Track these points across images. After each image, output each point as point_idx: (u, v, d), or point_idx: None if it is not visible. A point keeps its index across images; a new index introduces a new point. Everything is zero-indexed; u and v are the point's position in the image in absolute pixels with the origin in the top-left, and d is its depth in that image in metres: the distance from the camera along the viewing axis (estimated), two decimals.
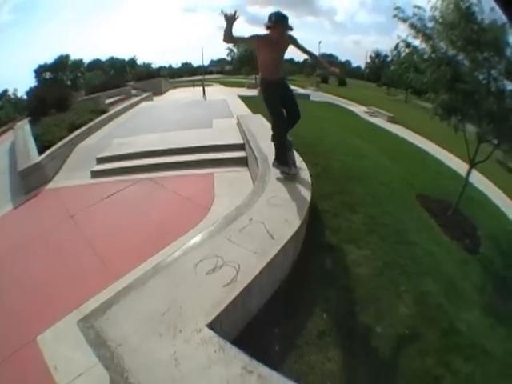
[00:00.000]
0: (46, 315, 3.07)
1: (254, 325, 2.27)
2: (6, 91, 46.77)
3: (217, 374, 1.66)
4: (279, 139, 3.62)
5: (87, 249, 3.93)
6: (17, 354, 2.76)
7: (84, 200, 5.14)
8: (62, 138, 8.10)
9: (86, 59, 48.55)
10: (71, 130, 8.80)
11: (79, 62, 47.11)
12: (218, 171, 4.99)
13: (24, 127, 9.89)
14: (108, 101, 13.96)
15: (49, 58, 47.82)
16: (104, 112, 11.44)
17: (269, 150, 4.00)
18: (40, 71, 46.33)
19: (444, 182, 8.31)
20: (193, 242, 2.54)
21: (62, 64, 45.72)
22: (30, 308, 3.25)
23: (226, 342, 1.80)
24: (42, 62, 46.55)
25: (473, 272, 4.56)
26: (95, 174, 6.14)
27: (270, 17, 3.11)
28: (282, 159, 3.64)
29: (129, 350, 1.83)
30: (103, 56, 51.28)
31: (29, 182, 6.41)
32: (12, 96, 42.66)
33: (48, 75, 45.85)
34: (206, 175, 5.18)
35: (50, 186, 6.36)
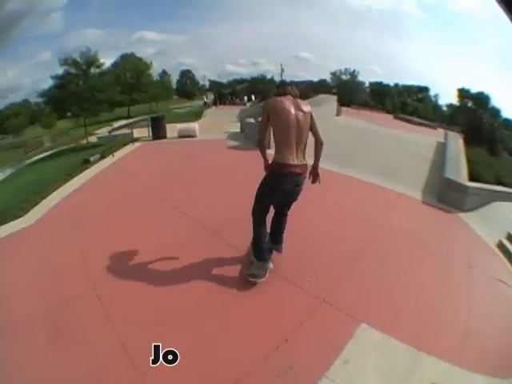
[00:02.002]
0: None
1: None
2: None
3: None
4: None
5: None
6: None
7: None
8: (487, 182, 7.63)
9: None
10: (496, 183, 8.19)
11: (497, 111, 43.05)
12: None
13: (457, 140, 10.01)
14: None
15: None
16: None
17: None
18: (463, 96, 47.02)
19: None
20: None
21: (483, 101, 44.06)
22: None
23: None
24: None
25: None
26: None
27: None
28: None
29: None
30: None
31: (451, 193, 6.46)
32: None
33: (470, 104, 45.68)
34: None
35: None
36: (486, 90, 44.29)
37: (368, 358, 2.40)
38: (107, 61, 34.79)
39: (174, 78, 54.58)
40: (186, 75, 57.82)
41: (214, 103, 30.04)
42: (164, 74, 50.14)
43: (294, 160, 2.81)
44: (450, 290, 3.45)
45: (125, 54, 39.73)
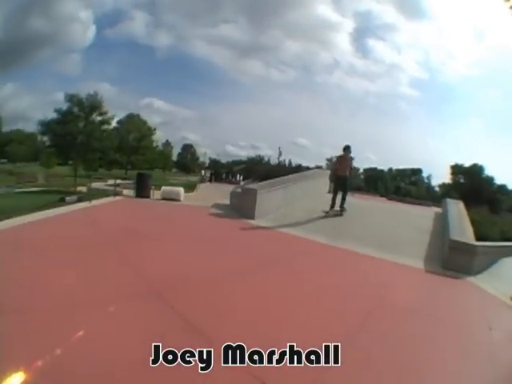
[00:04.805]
0: None
1: None
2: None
3: None
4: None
5: None
6: None
7: None
8: (493, 240, 6.97)
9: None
10: (502, 239, 7.52)
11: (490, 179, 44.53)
12: None
13: (458, 205, 9.45)
14: None
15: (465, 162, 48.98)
16: None
17: None
18: (457, 172, 48.49)
19: None
20: None
21: (476, 172, 45.38)
22: None
23: None
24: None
25: None
26: None
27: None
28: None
29: None
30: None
31: (457, 257, 5.76)
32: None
33: (462, 178, 47.25)
34: None
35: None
36: (479, 161, 46.32)
37: None
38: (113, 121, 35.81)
39: (176, 151, 55.98)
40: (188, 149, 59.71)
41: (210, 179, 30.44)
42: (167, 144, 51.32)
43: (341, 173, 8.59)
44: (474, 361, 2.86)
45: (130, 114, 40.49)
